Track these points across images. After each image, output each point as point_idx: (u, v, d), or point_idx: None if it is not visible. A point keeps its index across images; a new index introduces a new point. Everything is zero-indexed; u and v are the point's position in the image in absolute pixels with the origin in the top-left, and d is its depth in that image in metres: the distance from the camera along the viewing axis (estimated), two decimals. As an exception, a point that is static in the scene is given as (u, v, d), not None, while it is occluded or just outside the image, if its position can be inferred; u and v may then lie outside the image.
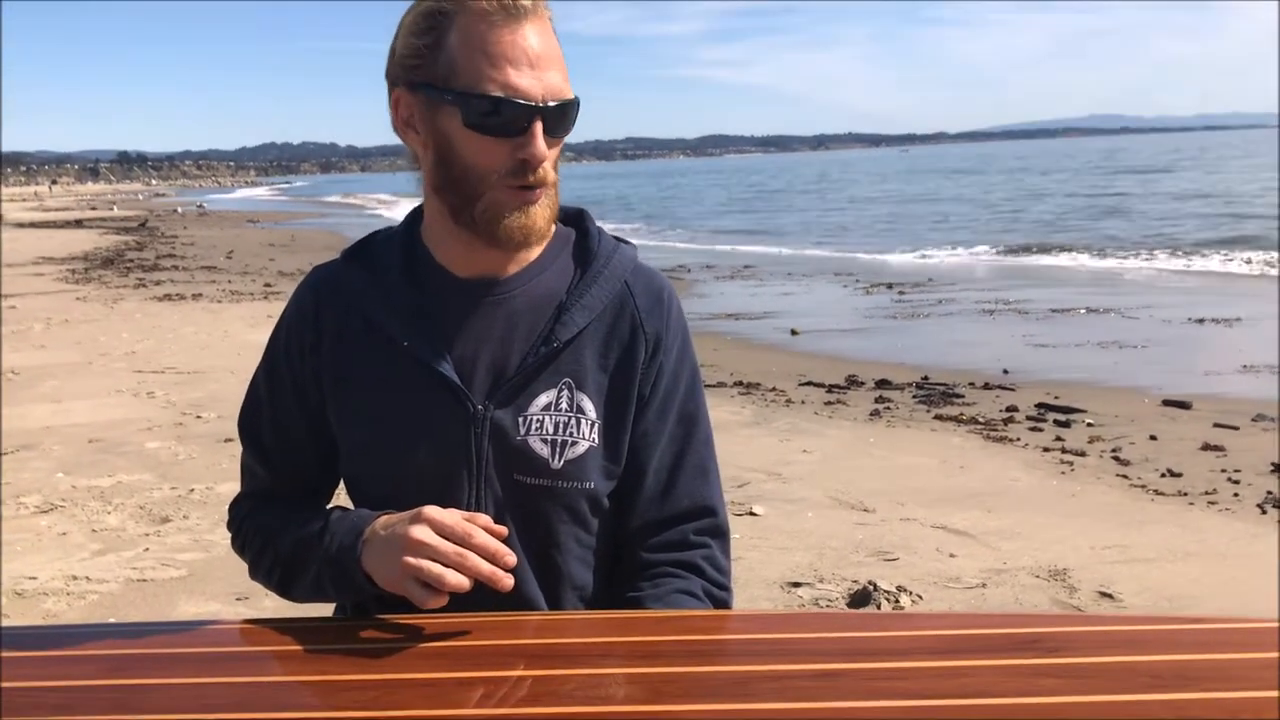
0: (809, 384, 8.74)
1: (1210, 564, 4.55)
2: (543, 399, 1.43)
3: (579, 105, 1.39)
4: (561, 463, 1.42)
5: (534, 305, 1.45)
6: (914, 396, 8.20)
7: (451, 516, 1.31)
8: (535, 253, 1.48)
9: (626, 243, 1.56)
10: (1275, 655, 1.21)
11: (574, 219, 1.54)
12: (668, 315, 1.51)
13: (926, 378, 8.85)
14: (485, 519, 1.33)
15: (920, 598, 4.17)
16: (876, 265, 19.80)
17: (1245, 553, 4.68)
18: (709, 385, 8.70)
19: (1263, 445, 6.45)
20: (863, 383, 8.72)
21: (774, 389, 8.58)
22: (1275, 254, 18.07)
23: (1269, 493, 5.54)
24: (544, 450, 1.41)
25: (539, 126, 1.34)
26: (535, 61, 1.33)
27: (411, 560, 1.28)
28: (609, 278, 1.48)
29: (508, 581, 1.28)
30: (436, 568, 1.27)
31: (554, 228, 1.49)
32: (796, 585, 4.36)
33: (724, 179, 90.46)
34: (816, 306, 14.17)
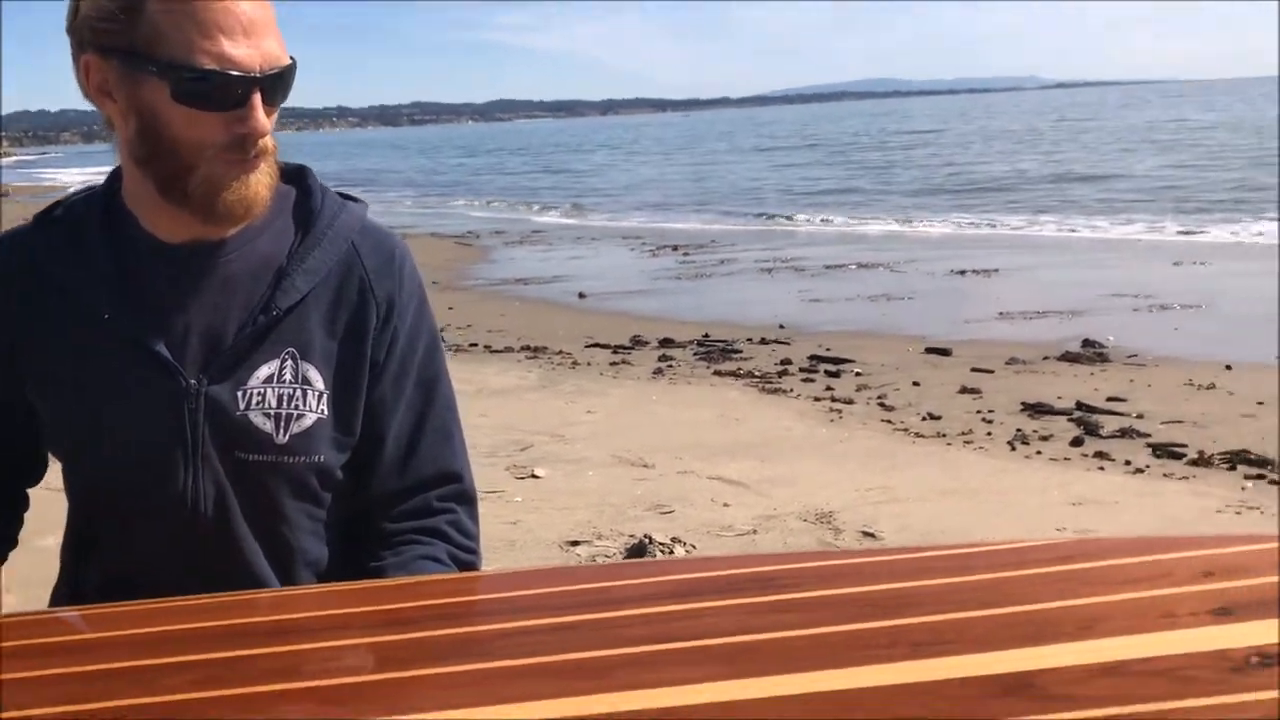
0: (595, 345, 8.83)
1: (965, 500, 4.86)
2: (264, 371, 1.35)
3: (295, 69, 1.32)
4: (287, 437, 1.35)
5: (251, 271, 1.37)
6: (695, 354, 8.41)
7: None
8: None
9: (355, 200, 1.49)
10: (982, 577, 1.30)
11: (294, 176, 1.45)
12: (400, 276, 1.45)
13: (707, 335, 9.09)
14: None
15: (694, 547, 4.29)
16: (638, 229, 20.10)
17: (996, 488, 5.03)
18: (497, 350, 8.66)
19: (1014, 387, 6.93)
20: (647, 342, 8.88)
21: (561, 351, 8.63)
22: (1044, 214, 19.44)
23: (1018, 430, 5.96)
24: (267, 425, 1.35)
25: (258, 98, 1.26)
26: (249, 29, 1.24)
27: None
28: (333, 239, 1.41)
29: None
30: None
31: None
32: (575, 544, 4.41)
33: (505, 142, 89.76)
34: (605, 270, 14.32)
